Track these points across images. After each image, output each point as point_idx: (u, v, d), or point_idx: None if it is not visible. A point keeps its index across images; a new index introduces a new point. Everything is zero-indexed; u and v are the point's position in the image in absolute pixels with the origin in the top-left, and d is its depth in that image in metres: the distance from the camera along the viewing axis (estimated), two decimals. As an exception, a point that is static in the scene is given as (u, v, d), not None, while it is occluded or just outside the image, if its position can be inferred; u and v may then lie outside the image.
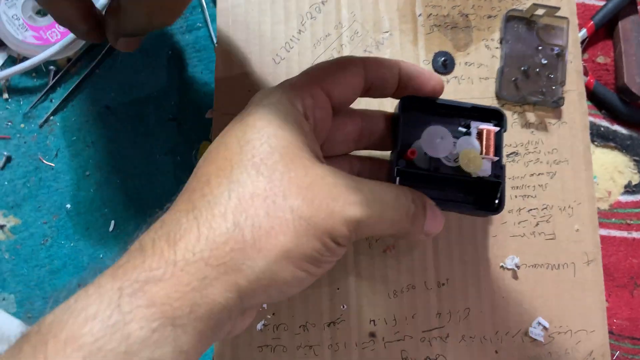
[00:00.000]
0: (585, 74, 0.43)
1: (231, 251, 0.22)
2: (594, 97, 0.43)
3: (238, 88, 0.39)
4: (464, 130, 0.32)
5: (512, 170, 0.40)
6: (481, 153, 0.31)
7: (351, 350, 0.37)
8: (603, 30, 0.45)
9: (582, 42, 0.43)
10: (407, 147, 0.31)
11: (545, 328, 0.38)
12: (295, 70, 0.39)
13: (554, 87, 0.40)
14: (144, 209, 0.40)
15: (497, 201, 0.31)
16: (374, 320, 0.37)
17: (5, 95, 0.40)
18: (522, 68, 0.40)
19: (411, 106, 0.32)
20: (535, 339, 0.38)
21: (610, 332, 0.40)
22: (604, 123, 0.43)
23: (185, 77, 0.42)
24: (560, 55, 0.41)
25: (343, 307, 0.37)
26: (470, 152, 0.31)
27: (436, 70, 0.40)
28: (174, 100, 0.41)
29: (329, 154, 0.32)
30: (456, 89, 0.40)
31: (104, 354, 0.18)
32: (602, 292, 0.39)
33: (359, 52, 0.40)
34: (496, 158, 0.31)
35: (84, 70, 0.41)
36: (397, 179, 0.31)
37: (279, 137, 0.24)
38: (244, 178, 0.23)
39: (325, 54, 0.39)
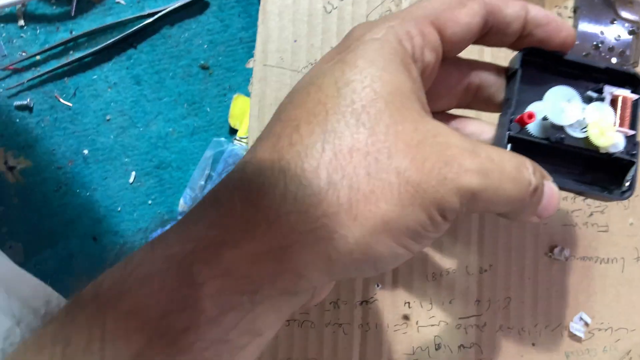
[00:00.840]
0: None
1: (323, 216, 0.18)
2: (662, 82, 0.40)
3: (283, 37, 0.35)
4: (594, 95, 0.27)
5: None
6: (615, 124, 0.26)
7: (382, 332, 0.35)
8: (682, 9, 0.41)
9: (658, 20, 0.39)
10: (523, 109, 0.26)
11: (586, 324, 0.36)
12: (348, 22, 0.35)
13: (625, 67, 0.37)
14: (167, 162, 0.36)
15: (627, 184, 0.26)
16: (408, 302, 0.35)
17: (21, 22, 0.36)
18: (594, 43, 0.37)
19: (533, 60, 0.26)
20: (575, 334, 0.36)
21: (649, 332, 0.38)
22: (670, 111, 0.40)
23: (221, 20, 0.38)
24: (636, 33, 0.37)
25: (378, 285, 0.35)
26: (602, 121, 0.25)
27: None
28: (206, 45, 0.37)
29: (430, 110, 0.27)
30: (520, 60, 0.36)
31: (172, 335, 0.16)
32: (648, 290, 0.37)
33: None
34: (632, 132, 0.26)
35: (110, 1, 0.37)
36: (508, 146, 0.26)
37: (385, 81, 0.20)
38: (342, 127, 0.19)
39: (382, 5, 0.35)
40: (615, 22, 0.37)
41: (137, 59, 0.37)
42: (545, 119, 0.26)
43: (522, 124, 0.25)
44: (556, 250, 0.36)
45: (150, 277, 0.16)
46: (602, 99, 0.26)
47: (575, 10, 0.37)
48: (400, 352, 0.35)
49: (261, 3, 0.35)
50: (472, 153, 0.20)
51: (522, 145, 0.26)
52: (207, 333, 0.16)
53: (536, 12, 0.25)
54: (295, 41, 0.35)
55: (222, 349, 0.16)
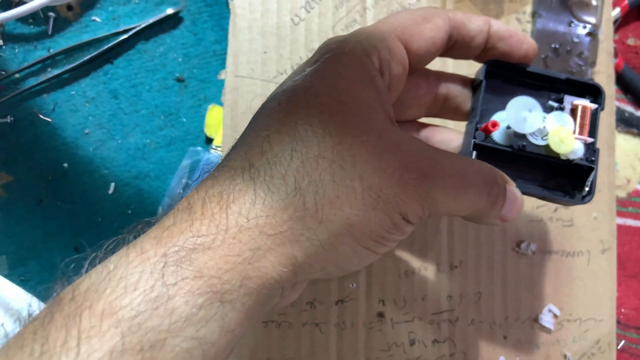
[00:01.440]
0: (615, 55, 0.41)
1: (289, 220, 0.19)
2: (620, 80, 0.42)
3: (253, 49, 0.36)
4: (555, 104, 0.28)
5: (534, 153, 0.38)
6: (574, 132, 0.27)
7: (358, 329, 0.36)
8: (636, 11, 0.42)
9: (614, 22, 0.41)
10: (488, 118, 0.28)
11: (555, 315, 0.37)
12: (315, 34, 0.37)
13: (583, 67, 0.39)
14: (145, 172, 0.37)
15: (587, 189, 0.28)
16: (383, 300, 0.36)
17: (0, 42, 0.37)
18: (553, 45, 0.38)
19: (496, 72, 0.28)
20: (544, 326, 0.37)
21: (617, 322, 0.39)
22: (629, 108, 0.42)
23: (194, 34, 0.39)
24: (593, 34, 0.39)
25: (352, 285, 0.36)
26: (562, 130, 0.27)
27: (463, 42, 0.38)
28: (181, 58, 0.39)
29: (397, 118, 0.28)
30: (482, 64, 0.38)
31: (144, 331, 0.16)
32: (614, 281, 0.38)
33: (383, 17, 0.37)
34: (591, 140, 0.27)
35: (86, 19, 0.38)
36: (474, 153, 0.27)
37: (352, 94, 0.21)
38: (310, 137, 0.20)
39: (347, 17, 0.37)
40: (572, 24, 0.39)
41: (114, 74, 0.38)
42: (508, 127, 0.27)
43: (487, 132, 0.27)
44: (523, 245, 0.37)
45: (125, 279, 0.17)
46: (562, 109, 0.28)
47: (533, 15, 0.39)
48: (375, 348, 0.36)
49: (231, 17, 0.36)
50: (433, 160, 0.21)
51: (487, 152, 0.27)
52: (178, 330, 0.17)
53: (499, 26, 0.26)
54: (265, 52, 0.36)
55: (193, 345, 0.17)
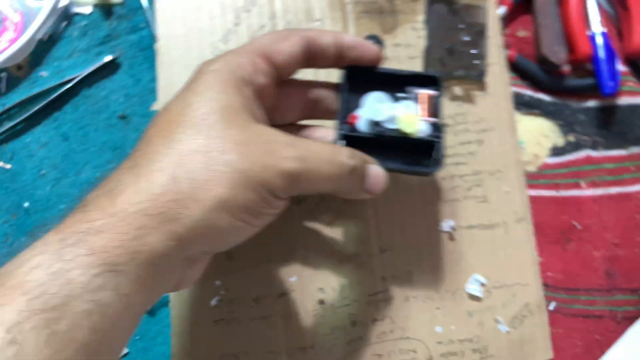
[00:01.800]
0: (508, 47, 0.47)
1: (168, 202, 0.23)
2: (517, 69, 0.47)
3: (180, 80, 0.41)
4: (402, 95, 0.34)
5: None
6: (419, 115, 0.33)
7: (302, 318, 0.39)
8: (522, 6, 0.48)
9: (503, 18, 0.46)
10: (352, 112, 0.33)
11: (482, 284, 0.41)
12: (234, 61, 0.42)
13: (476, 62, 0.44)
14: (99, 202, 0.42)
15: (436, 158, 0.33)
16: (322, 288, 0.40)
17: (-42, 103, 0.42)
18: (446, 46, 0.44)
19: (354, 75, 0.34)
20: (474, 295, 0.41)
21: (546, 285, 0.43)
22: (528, 92, 0.47)
23: (132, 76, 0.44)
24: (481, 32, 0.44)
25: (292, 278, 0.40)
26: (408, 115, 0.33)
27: (366, 53, 0.43)
28: (122, 98, 0.43)
29: (279, 122, 0.34)
30: (386, 69, 0.43)
31: (47, 297, 0.20)
32: (534, 247, 0.42)
33: (293, 41, 0.42)
34: (434, 119, 0.33)
35: (34, 75, 0.43)
36: (343, 142, 0.32)
37: (218, 100, 0.26)
38: (184, 136, 0.25)
39: (261, 44, 0.42)
40: (462, 26, 0.44)
41: (63, 119, 0.43)
42: (368, 118, 0.33)
43: (351, 124, 0.33)
44: (443, 224, 0.41)
45: (29, 261, 0.21)
46: (408, 98, 0.34)
47: (425, 23, 0.44)
48: (320, 333, 0.39)
49: (157, 57, 0.41)
50: (291, 145, 0.26)
51: (354, 140, 0.33)
52: (77, 295, 0.21)
53: (347, 39, 0.33)
54: (190, 83, 0.41)
55: (91, 307, 0.21)
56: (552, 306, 0.43)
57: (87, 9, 0.45)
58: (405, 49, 0.43)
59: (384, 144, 0.34)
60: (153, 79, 0.44)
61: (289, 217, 0.40)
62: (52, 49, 0.44)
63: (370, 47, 0.33)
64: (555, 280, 0.44)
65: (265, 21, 0.42)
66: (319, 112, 0.35)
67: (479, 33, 0.44)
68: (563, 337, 0.43)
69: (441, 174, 0.42)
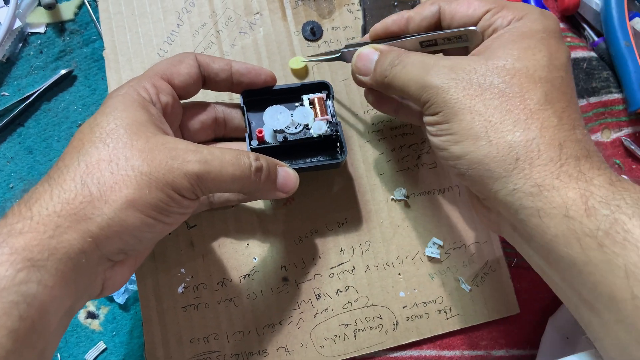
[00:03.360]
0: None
1: (80, 204, 0.26)
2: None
3: (129, 84, 0.43)
4: (297, 104, 0.39)
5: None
6: (315, 117, 0.38)
7: (268, 296, 0.41)
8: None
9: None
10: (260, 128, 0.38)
11: (440, 246, 0.42)
12: (179, 60, 0.44)
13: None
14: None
15: (339, 149, 0.38)
16: (284, 266, 0.41)
17: None
18: (383, 23, 0.45)
19: (251, 97, 0.38)
20: (433, 257, 0.42)
21: (506, 242, 0.44)
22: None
23: (88, 87, 0.46)
24: (415, 5, 0.45)
25: (254, 259, 0.41)
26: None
27: (306, 39, 0.45)
28: (80, 108, 0.46)
29: (193, 141, 0.37)
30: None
31: None
32: (488, 206, 0.43)
33: (235, 35, 0.44)
34: (328, 117, 0.37)
35: (-6, 95, 0.45)
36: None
37: (124, 117, 0.29)
38: (92, 150, 0.28)
39: (205, 40, 0.44)
40: (397, 4, 0.46)
41: (26, 134, 0.45)
42: (270, 129, 0.37)
43: (259, 138, 0.37)
44: (396, 192, 0.43)
45: None
46: (302, 105, 0.39)
47: (360, 4, 0.46)
48: (287, 309, 0.41)
49: (106, 64, 0.43)
50: (194, 151, 0.29)
51: (264, 152, 0.36)
52: (3, 289, 0.23)
53: (239, 66, 0.37)
54: (139, 84, 0.43)
55: (18, 298, 0.23)
56: (514, 262, 0.44)
57: (41, 29, 0.47)
58: (344, 31, 0.45)
59: (292, 149, 0.38)
60: (107, 88, 0.46)
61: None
62: (12, 69, 0.46)
63: (263, 71, 0.37)
64: (515, 237, 0.45)
65: (206, 19, 0.44)
66: (229, 130, 0.39)
67: (412, 7, 0.46)
68: (528, 291, 0.44)
69: (391, 145, 0.43)
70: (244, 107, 0.38)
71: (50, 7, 0.46)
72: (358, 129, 0.44)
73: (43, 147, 0.45)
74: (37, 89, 0.45)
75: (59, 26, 0.47)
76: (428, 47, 0.35)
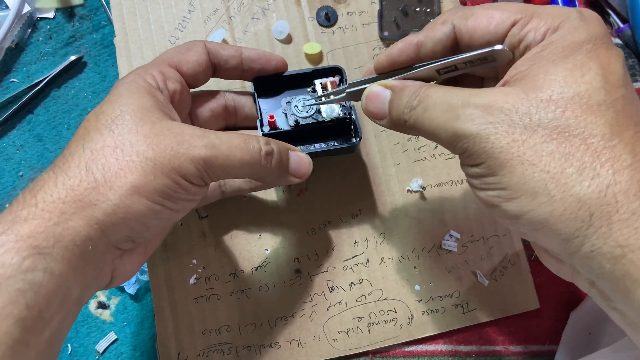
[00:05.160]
0: (464, 3, 0.46)
1: (85, 190, 0.25)
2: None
3: (140, 70, 0.42)
4: (309, 89, 0.38)
5: (406, 102, 0.43)
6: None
7: (281, 288, 0.40)
8: (476, -37, 0.48)
9: (456, -23, 0.46)
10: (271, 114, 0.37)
11: (457, 239, 0.41)
12: (191, 46, 0.42)
13: (431, 19, 0.44)
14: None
15: (354, 132, 0.37)
16: (297, 258, 0.40)
17: None
18: (400, 8, 0.44)
19: (263, 84, 0.37)
20: (450, 250, 0.41)
21: (525, 236, 0.43)
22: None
23: (98, 73, 0.45)
24: (434, -8, 0.44)
25: (266, 250, 0.40)
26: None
27: (321, 24, 0.43)
28: (90, 95, 0.45)
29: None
30: (342, 38, 0.43)
31: None
32: (507, 198, 0.42)
33: (247, 20, 0.43)
34: (341, 100, 0.35)
35: (5, 82, 0.45)
36: None
37: (130, 104, 0.28)
38: (97, 136, 0.27)
39: (217, 26, 0.43)
40: (413, -13, 0.44)
41: (36, 121, 0.44)
42: (285, 115, 0.37)
43: (270, 124, 0.36)
44: (412, 184, 0.42)
45: None
46: (315, 90, 0.37)
47: (377, -12, 0.44)
48: (300, 301, 0.40)
49: (117, 51, 0.42)
50: (201, 136, 0.28)
51: (276, 137, 0.35)
52: (9, 275, 0.22)
53: (249, 52, 0.36)
54: (150, 71, 0.42)
55: (24, 286, 0.23)
56: (534, 256, 0.43)
57: (50, 14, 0.46)
58: (359, 17, 0.44)
59: (305, 134, 0.37)
60: (118, 75, 0.45)
61: (259, 191, 0.41)
62: (21, 55, 0.45)
63: (273, 57, 0.36)
64: (534, 230, 0.43)
65: (218, 5, 0.43)
66: (240, 118, 0.38)
67: (432, -7, 0.44)
68: (548, 285, 0.43)
69: (407, 135, 0.42)
70: (255, 94, 0.37)
71: (59, -8, 0.45)
72: (374, 118, 0.42)
73: (53, 134, 0.44)
74: (47, 75, 0.44)
75: (68, 11, 0.46)
76: (447, 73, 0.29)
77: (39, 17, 0.46)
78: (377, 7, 0.44)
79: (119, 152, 0.26)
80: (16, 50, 0.45)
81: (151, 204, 0.27)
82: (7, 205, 0.26)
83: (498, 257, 0.41)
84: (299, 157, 0.33)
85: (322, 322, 0.39)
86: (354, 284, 0.40)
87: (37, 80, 0.44)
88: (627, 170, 0.22)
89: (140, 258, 0.31)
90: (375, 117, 0.30)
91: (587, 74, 0.24)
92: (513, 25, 0.26)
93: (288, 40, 0.43)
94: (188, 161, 0.27)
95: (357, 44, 0.43)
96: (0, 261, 0.23)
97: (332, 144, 0.37)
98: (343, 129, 0.37)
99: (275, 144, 0.31)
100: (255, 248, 0.40)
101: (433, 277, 0.41)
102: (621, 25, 0.48)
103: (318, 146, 0.37)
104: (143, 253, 0.31)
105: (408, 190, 0.42)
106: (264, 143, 0.30)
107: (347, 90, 0.33)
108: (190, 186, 0.28)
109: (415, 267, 0.41)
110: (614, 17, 0.48)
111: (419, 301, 0.40)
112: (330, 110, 0.36)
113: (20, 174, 0.43)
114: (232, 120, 0.38)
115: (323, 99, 0.36)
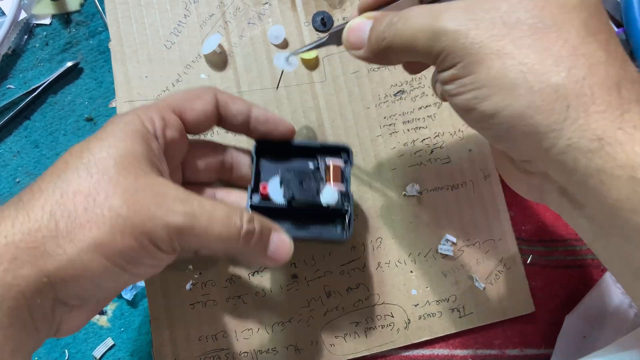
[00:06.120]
0: None
1: (43, 238, 0.24)
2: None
3: (135, 76, 0.42)
4: (313, 166, 0.36)
5: (401, 107, 0.43)
6: (328, 181, 0.35)
7: (277, 293, 0.40)
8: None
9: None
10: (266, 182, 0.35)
11: (453, 243, 0.41)
12: (187, 52, 0.43)
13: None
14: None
15: (346, 226, 0.35)
16: (294, 263, 0.40)
17: None
18: (395, 13, 0.44)
19: (266, 148, 0.35)
20: (446, 254, 0.41)
21: (521, 239, 0.43)
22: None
23: (94, 79, 0.45)
24: None
25: (264, 256, 0.40)
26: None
27: (316, 29, 0.43)
28: (87, 102, 0.45)
29: (192, 180, 0.36)
30: (338, 43, 0.43)
31: None
32: (503, 202, 0.42)
33: (243, 25, 0.43)
34: (342, 188, 0.34)
35: (2, 89, 0.45)
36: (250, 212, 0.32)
37: (119, 148, 0.26)
38: (73, 177, 0.25)
39: (213, 30, 0.43)
40: None
41: (33, 127, 0.44)
42: (281, 187, 0.34)
43: (262, 194, 0.34)
44: (408, 187, 0.42)
45: None
46: (318, 168, 0.36)
47: None
48: (296, 306, 0.40)
49: (112, 55, 0.42)
50: (183, 201, 0.27)
51: (264, 211, 0.33)
52: None
53: (258, 112, 0.34)
54: (146, 77, 0.42)
55: None
56: (529, 260, 0.43)
57: (47, 20, 0.46)
58: (355, 21, 0.44)
59: (296, 213, 0.35)
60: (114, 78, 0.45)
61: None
62: (17, 62, 0.46)
63: (282, 123, 0.34)
64: (530, 233, 0.44)
65: (214, 10, 0.43)
66: (235, 177, 0.37)
67: (427, -3, 0.44)
68: (544, 289, 0.43)
69: (403, 140, 0.42)
70: (254, 158, 0.35)
71: (55, -2, 0.46)
72: (370, 122, 0.43)
73: (49, 140, 0.44)
74: (43, 81, 0.44)
75: (64, 17, 0.46)
76: (431, 2, 0.29)
77: (36, 24, 0.46)
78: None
79: (90, 201, 0.25)
80: (13, 56, 0.45)
81: (110, 265, 0.25)
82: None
83: (494, 261, 0.42)
84: (281, 240, 0.31)
85: (320, 327, 0.40)
86: (351, 289, 0.40)
87: (34, 87, 0.44)
88: (602, 66, 0.23)
89: (89, 314, 0.29)
90: (354, 47, 0.30)
91: None
92: None
93: (284, 45, 0.43)
94: (162, 226, 0.25)
95: (352, 49, 0.43)
96: None
97: (321, 229, 0.36)
98: (336, 217, 0.36)
99: (259, 223, 0.29)
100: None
101: (429, 282, 0.41)
102: (616, 29, 0.48)
103: (306, 231, 0.35)
104: (93, 309, 0.30)
105: (404, 195, 0.42)
106: (247, 221, 0.28)
107: (331, 31, 0.32)
108: (156, 252, 0.26)
109: (411, 272, 0.41)
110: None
111: (415, 305, 0.40)
112: (329, 195, 0.34)
113: (17, 180, 0.43)
114: (226, 176, 0.37)
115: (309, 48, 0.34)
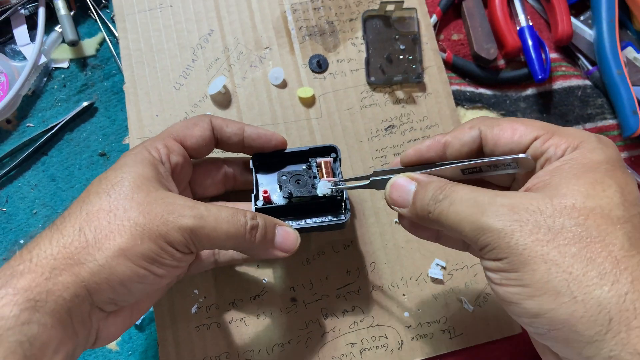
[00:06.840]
0: (444, 50, 0.51)
1: (75, 249, 0.28)
2: (455, 69, 0.51)
3: (147, 115, 0.46)
4: (305, 166, 0.40)
5: (392, 140, 0.46)
6: (321, 177, 0.39)
7: (278, 316, 0.42)
8: (452, 12, 0.52)
9: (435, 25, 0.51)
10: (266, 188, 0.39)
11: (443, 267, 0.44)
12: (194, 92, 0.46)
13: (414, 66, 0.48)
14: (86, 232, 0.46)
15: (344, 210, 0.39)
16: (293, 287, 0.43)
17: (-44, 158, 0.47)
18: (385, 55, 0.48)
19: (262, 159, 0.40)
20: (436, 278, 0.44)
21: (507, 263, 0.45)
22: (469, 89, 0.50)
23: (108, 117, 0.49)
24: (415, 40, 0.48)
25: (264, 280, 0.43)
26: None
27: (313, 71, 0.47)
28: (101, 138, 0.48)
29: (202, 196, 0.41)
30: (333, 83, 0.47)
31: None
32: (489, 228, 0.45)
33: (246, 68, 0.47)
34: (335, 179, 0.38)
35: (22, 127, 0.48)
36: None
37: (132, 172, 0.31)
38: (95, 200, 0.30)
39: (218, 73, 0.47)
40: (397, 36, 0.48)
41: (50, 163, 0.48)
42: (280, 189, 0.38)
43: (265, 198, 0.39)
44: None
45: None
46: (310, 167, 0.40)
47: (364, 38, 0.48)
48: (295, 328, 0.42)
49: (126, 96, 0.46)
50: (191, 207, 0.31)
51: (268, 212, 0.37)
52: (8, 328, 0.25)
53: (251, 131, 0.39)
54: (157, 115, 0.46)
55: (21, 338, 0.25)
56: (516, 283, 0.45)
57: (65, 64, 0.50)
58: (348, 64, 0.48)
59: (298, 208, 0.39)
60: (127, 118, 0.48)
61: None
62: (37, 102, 0.49)
63: (274, 137, 0.39)
64: (516, 258, 0.46)
65: (219, 54, 0.47)
66: (239, 184, 0.42)
67: (413, 40, 0.48)
68: (530, 311, 0.45)
69: (392, 170, 0.45)
70: (253, 169, 0.40)
71: (73, 44, 0.50)
72: (362, 155, 0.46)
73: (65, 174, 0.47)
74: (61, 120, 0.48)
75: (81, 61, 0.51)
76: (471, 174, 0.31)
77: (55, 67, 0.50)
78: (364, 55, 0.48)
79: (112, 215, 0.29)
80: (32, 97, 0.49)
81: (135, 267, 0.29)
82: (27, 242, 0.29)
83: (482, 284, 0.44)
84: (286, 232, 0.35)
85: (317, 348, 0.42)
86: (347, 311, 0.43)
87: (52, 125, 0.48)
88: None
89: (125, 322, 0.33)
90: (397, 205, 0.32)
91: (607, 189, 0.26)
92: (535, 139, 0.29)
93: (283, 85, 0.47)
94: (176, 229, 0.30)
95: (346, 88, 0.47)
96: (1, 313, 0.25)
97: (323, 219, 0.39)
98: (334, 205, 0.39)
99: (262, 219, 0.34)
100: (253, 278, 0.43)
101: (421, 304, 0.43)
102: (590, 67, 0.52)
103: (309, 221, 0.39)
104: (129, 317, 0.33)
105: (396, 222, 0.45)
106: (250, 217, 0.33)
107: (372, 179, 0.34)
108: (175, 252, 0.30)
109: (404, 295, 0.43)
110: (583, 61, 0.52)
111: (408, 327, 0.43)
112: (323, 187, 0.38)
113: (34, 211, 0.46)
114: (230, 185, 0.42)
115: (346, 184, 0.37)
